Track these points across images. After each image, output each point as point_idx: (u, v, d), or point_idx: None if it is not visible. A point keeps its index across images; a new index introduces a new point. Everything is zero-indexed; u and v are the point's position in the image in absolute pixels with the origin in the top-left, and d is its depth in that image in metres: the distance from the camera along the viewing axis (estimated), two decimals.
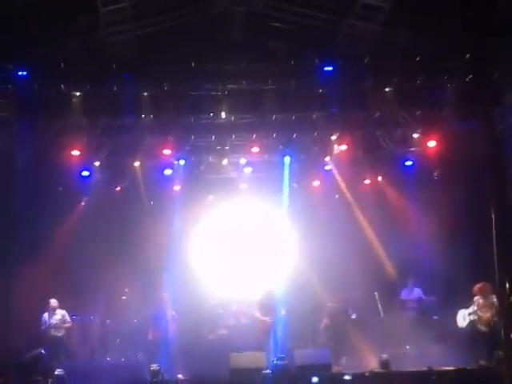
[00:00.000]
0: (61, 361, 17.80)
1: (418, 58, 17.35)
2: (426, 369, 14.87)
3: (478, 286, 17.58)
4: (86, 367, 17.82)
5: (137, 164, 20.36)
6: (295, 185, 21.98)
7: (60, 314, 18.38)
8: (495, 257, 15.74)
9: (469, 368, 15.55)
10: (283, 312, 18.85)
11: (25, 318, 18.43)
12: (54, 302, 18.34)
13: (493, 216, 15.75)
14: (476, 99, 17.36)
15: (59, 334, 18.29)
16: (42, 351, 17.52)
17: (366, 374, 14.92)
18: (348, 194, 21.57)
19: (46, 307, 18.32)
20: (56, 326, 18.24)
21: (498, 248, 16.71)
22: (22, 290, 18.58)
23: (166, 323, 19.09)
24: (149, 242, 20.83)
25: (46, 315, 18.27)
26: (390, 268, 21.05)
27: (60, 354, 18.12)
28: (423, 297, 20.07)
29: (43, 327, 18.20)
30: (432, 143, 19.46)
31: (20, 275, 18.71)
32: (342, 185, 21.48)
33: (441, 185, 20.33)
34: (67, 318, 18.48)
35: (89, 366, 18.21)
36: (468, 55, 17.07)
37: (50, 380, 16.50)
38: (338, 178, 21.37)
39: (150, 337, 19.03)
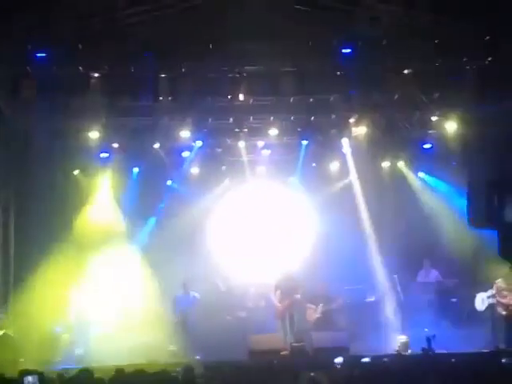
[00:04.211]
0: None
1: (437, 40, 17.21)
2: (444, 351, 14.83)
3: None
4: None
5: (156, 146, 20.36)
6: (314, 164, 21.99)
7: None
8: None
9: (487, 351, 15.50)
10: (299, 295, 18.81)
11: None
12: None
13: None
14: (495, 82, 17.27)
15: None
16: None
17: (385, 357, 14.87)
18: (366, 176, 21.52)
19: None
20: None
21: None
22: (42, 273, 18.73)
23: (189, 305, 19.15)
24: (167, 224, 20.94)
25: None
26: None
27: None
28: (441, 279, 20.03)
29: None
30: (451, 126, 19.39)
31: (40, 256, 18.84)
32: (360, 167, 21.42)
33: (460, 167, 20.24)
34: None
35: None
36: (488, 37, 16.94)
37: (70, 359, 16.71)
38: (354, 160, 21.34)
39: (172, 319, 19.08)
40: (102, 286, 19.31)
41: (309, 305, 19.59)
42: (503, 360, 12.74)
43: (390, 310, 19.14)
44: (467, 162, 19.66)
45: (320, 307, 19.65)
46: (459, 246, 19.49)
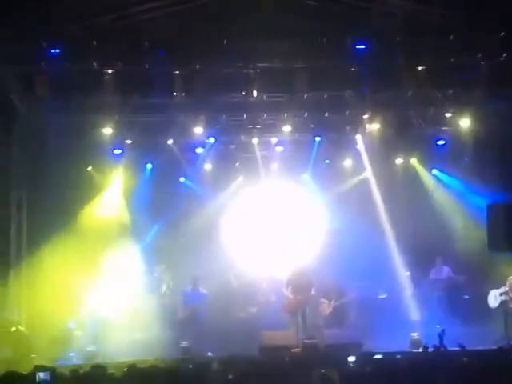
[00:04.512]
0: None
1: (451, 37, 17.15)
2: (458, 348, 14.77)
3: None
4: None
5: (170, 142, 20.39)
6: (327, 161, 22.01)
7: None
8: None
9: (499, 348, 15.44)
10: (313, 291, 18.81)
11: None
12: None
13: None
14: (510, 78, 17.21)
15: None
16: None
17: (397, 354, 14.85)
18: (379, 173, 21.52)
19: None
20: None
21: None
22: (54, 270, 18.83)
23: (197, 301, 19.17)
24: (180, 219, 21.01)
25: None
26: None
27: None
28: (453, 276, 20.00)
29: None
30: (465, 122, 19.36)
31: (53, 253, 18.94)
32: (373, 164, 21.42)
33: (474, 163, 20.24)
34: None
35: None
36: (502, 33, 16.88)
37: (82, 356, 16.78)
38: (369, 156, 21.31)
39: (180, 314, 19.10)
40: (114, 283, 19.34)
41: (322, 299, 19.59)
42: None
43: (402, 306, 19.11)
44: (480, 159, 19.75)
45: (333, 302, 19.65)
46: (471, 242, 19.48)
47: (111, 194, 21.02)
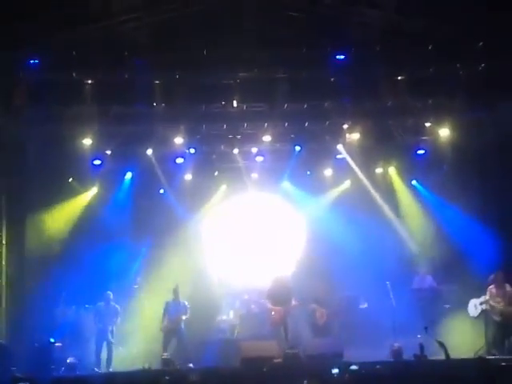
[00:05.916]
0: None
1: (430, 47, 17.23)
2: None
3: (492, 275, 17.59)
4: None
5: (149, 152, 20.34)
6: (308, 172, 22.06)
7: None
8: None
9: (480, 357, 15.47)
10: (294, 302, 18.80)
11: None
12: None
13: None
14: (489, 88, 17.30)
15: None
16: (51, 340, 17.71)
17: (377, 364, 14.85)
18: (360, 181, 21.58)
19: None
20: None
21: None
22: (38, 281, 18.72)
23: (179, 312, 19.08)
24: (160, 230, 20.94)
25: None
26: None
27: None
28: (435, 285, 20.05)
29: None
30: (444, 132, 19.47)
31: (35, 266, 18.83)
32: (355, 171, 21.46)
33: (453, 173, 20.36)
34: None
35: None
36: (481, 43, 16.98)
37: (62, 368, 16.63)
38: (351, 164, 21.33)
39: (163, 326, 18.99)
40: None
41: (315, 305, 19.65)
42: (495, 366, 12.73)
43: (383, 316, 19.08)
44: (459, 169, 19.91)
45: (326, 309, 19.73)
46: (446, 253, 19.72)
47: (89, 203, 20.98)
